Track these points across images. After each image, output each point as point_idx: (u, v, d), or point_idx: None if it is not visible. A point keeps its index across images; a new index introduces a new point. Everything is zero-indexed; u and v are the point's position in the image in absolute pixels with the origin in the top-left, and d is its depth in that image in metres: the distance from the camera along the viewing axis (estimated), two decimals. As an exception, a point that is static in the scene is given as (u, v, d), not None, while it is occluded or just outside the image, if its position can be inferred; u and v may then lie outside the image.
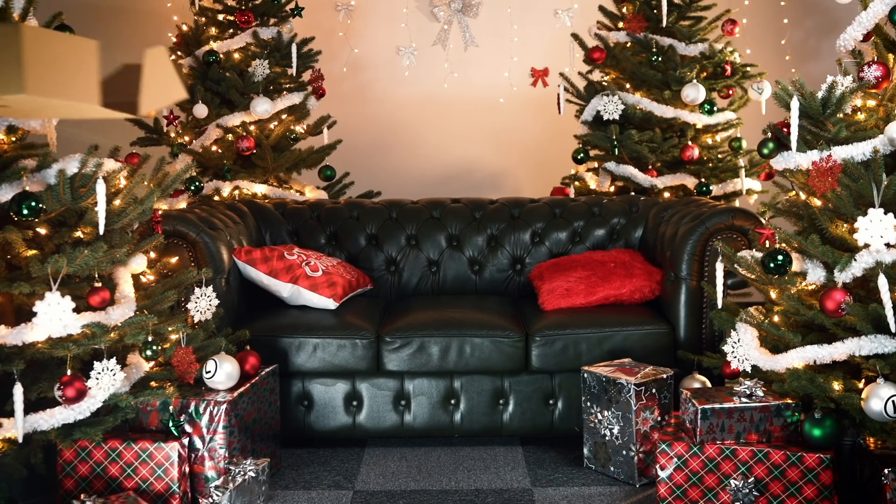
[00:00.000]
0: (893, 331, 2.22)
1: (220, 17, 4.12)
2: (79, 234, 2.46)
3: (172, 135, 4.00)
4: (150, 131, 4.06)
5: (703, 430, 2.40)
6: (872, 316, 2.25)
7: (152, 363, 2.51)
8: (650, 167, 4.02)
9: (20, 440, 2.23)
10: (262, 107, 3.88)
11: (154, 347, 2.43)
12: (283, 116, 4.07)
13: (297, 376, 2.99)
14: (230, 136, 4.00)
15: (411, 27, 4.89)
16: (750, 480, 2.36)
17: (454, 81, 4.91)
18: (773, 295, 2.55)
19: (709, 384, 2.82)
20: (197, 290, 2.70)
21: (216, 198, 3.89)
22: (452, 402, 2.99)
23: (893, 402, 2.17)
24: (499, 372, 2.96)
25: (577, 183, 4.29)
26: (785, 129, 2.53)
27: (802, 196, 2.54)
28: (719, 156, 4.14)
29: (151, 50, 1.82)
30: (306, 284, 3.12)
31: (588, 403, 2.78)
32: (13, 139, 2.45)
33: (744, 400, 2.42)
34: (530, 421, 2.99)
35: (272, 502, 2.61)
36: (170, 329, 2.53)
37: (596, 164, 4.24)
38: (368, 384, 2.98)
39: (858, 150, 2.35)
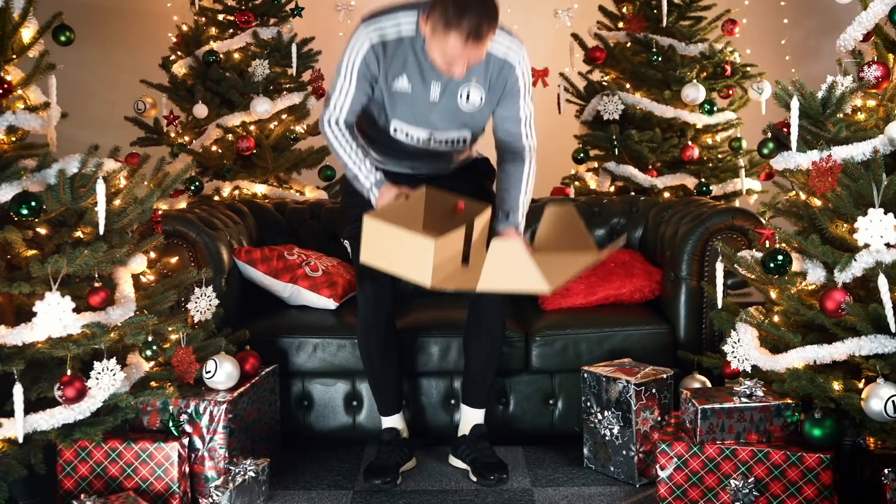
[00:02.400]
0: (893, 331, 2.22)
1: (220, 17, 4.12)
2: (79, 234, 2.46)
3: (172, 135, 4.00)
4: (150, 131, 4.06)
5: (703, 430, 2.40)
6: (872, 316, 2.25)
7: (152, 363, 2.51)
8: (650, 167, 4.02)
9: (20, 440, 2.23)
10: (262, 107, 3.87)
11: (154, 347, 2.43)
12: (283, 116, 4.07)
13: (297, 376, 2.98)
14: (230, 136, 4.00)
15: (411, 27, 4.88)
16: (750, 480, 2.36)
17: (454, 81, 4.89)
18: (773, 295, 2.55)
19: (709, 384, 2.82)
20: (197, 290, 2.70)
21: (216, 198, 3.89)
22: (452, 402, 2.99)
23: (893, 402, 2.17)
24: (499, 372, 2.96)
25: (577, 183, 4.28)
26: (785, 129, 2.52)
27: (802, 196, 2.54)
28: (719, 156, 4.14)
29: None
30: (306, 284, 3.12)
31: (588, 403, 2.78)
32: (13, 139, 2.45)
33: (744, 400, 2.42)
34: (530, 421, 2.99)
35: (272, 502, 2.61)
36: (170, 329, 2.53)
37: (596, 164, 4.23)
38: (368, 384, 2.97)
39: (858, 150, 2.35)
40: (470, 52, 2.32)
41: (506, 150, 2.64)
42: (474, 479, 2.72)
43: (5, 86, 2.37)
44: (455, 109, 2.57)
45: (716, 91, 4.08)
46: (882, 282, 2.21)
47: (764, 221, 2.79)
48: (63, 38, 2.55)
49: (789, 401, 2.41)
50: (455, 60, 2.34)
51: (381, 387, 2.80)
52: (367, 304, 2.70)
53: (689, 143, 4.04)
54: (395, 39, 2.46)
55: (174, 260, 2.85)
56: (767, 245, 2.45)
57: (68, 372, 2.27)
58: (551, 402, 2.99)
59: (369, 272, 2.50)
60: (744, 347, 2.50)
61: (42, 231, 2.41)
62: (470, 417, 2.82)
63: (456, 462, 2.84)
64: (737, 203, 3.97)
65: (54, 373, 2.33)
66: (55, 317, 2.23)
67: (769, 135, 2.60)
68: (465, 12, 2.24)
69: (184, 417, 2.50)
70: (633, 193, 3.97)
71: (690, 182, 4.02)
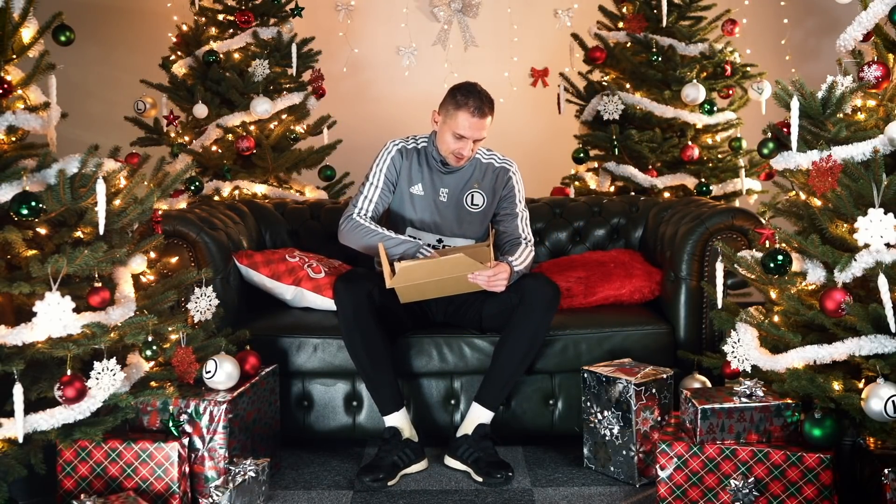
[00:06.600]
0: (893, 331, 2.22)
1: (220, 17, 4.12)
2: (79, 234, 2.46)
3: (172, 135, 4.00)
4: (150, 131, 4.06)
5: (703, 430, 2.40)
6: (872, 316, 2.25)
7: (152, 363, 2.51)
8: (650, 167, 4.02)
9: (20, 440, 2.23)
10: (262, 107, 3.88)
11: (154, 347, 2.43)
12: (283, 116, 4.07)
13: (297, 376, 2.99)
14: (230, 136, 4.00)
15: (411, 27, 4.89)
16: (750, 480, 2.36)
17: (454, 81, 4.87)
18: (773, 295, 2.55)
19: (709, 384, 2.82)
20: (197, 290, 2.70)
21: (216, 198, 3.89)
22: (452, 402, 2.99)
23: (893, 402, 2.17)
24: (499, 372, 2.96)
25: (577, 183, 4.29)
26: (785, 129, 2.52)
27: (802, 196, 2.54)
28: (719, 156, 4.14)
29: None
30: (310, 286, 3.12)
31: (588, 403, 2.78)
32: (13, 139, 2.44)
33: (744, 400, 2.42)
34: (530, 421, 2.99)
35: (272, 502, 2.61)
36: (170, 329, 2.53)
37: (596, 164, 4.24)
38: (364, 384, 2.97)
39: (858, 150, 2.35)
40: (474, 128, 2.91)
41: (506, 243, 3.05)
42: (479, 479, 2.72)
43: (5, 86, 2.37)
44: (461, 210, 3.07)
45: (716, 91, 4.08)
46: (882, 282, 2.21)
47: (764, 221, 2.80)
48: (63, 38, 2.55)
49: (789, 401, 2.41)
50: (462, 140, 2.92)
51: (375, 384, 2.82)
52: (344, 307, 2.80)
53: (689, 143, 4.04)
54: (413, 149, 3.10)
55: (174, 260, 2.85)
56: (767, 245, 2.45)
57: (68, 372, 2.27)
58: (551, 402, 2.99)
59: (343, 279, 2.85)
60: (744, 347, 2.50)
61: (42, 231, 2.41)
62: (477, 416, 2.82)
63: (454, 464, 2.83)
64: (737, 203, 3.97)
65: (54, 373, 2.33)
66: (55, 317, 2.23)
67: (769, 135, 2.60)
68: (469, 96, 2.93)
69: (184, 417, 2.50)
70: (633, 193, 3.97)
71: (690, 182, 4.02)
